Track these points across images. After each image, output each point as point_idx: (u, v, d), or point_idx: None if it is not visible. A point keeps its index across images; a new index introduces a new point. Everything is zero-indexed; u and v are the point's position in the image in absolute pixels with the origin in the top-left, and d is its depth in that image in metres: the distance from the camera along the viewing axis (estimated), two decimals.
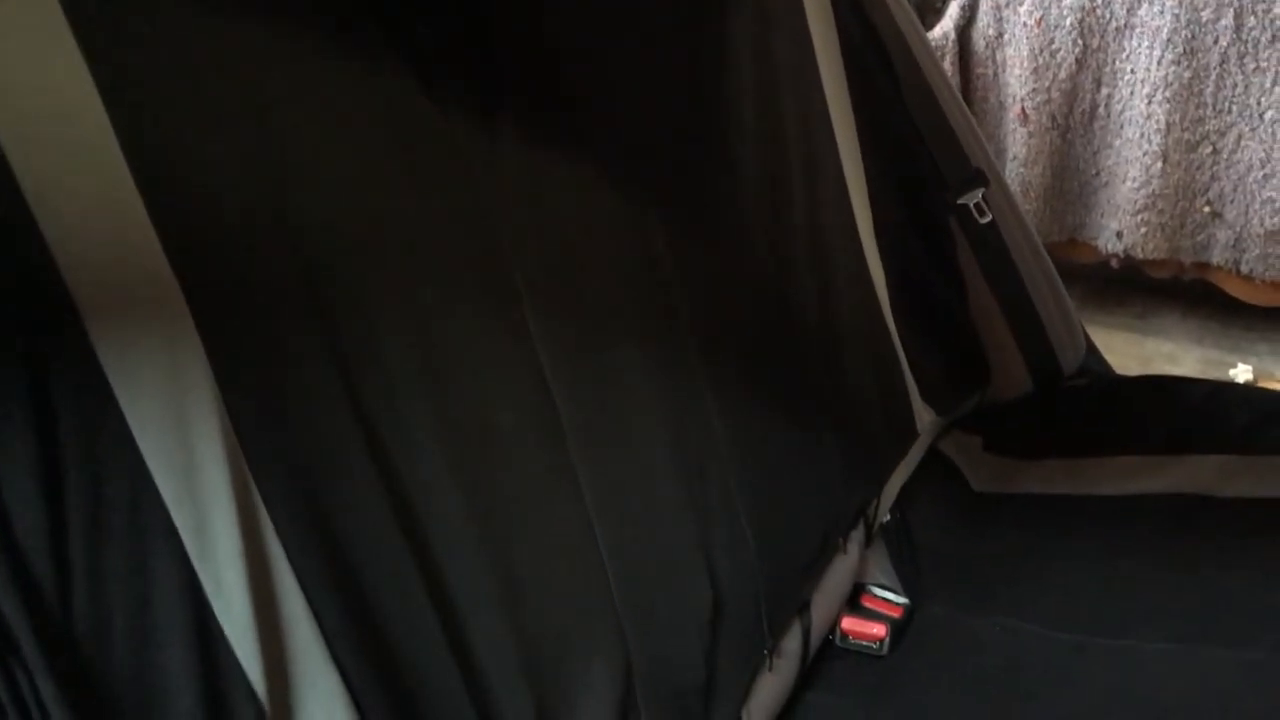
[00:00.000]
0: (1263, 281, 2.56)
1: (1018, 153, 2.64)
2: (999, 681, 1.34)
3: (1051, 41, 2.47)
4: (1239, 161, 2.43)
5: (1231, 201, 2.48)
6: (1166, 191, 2.49)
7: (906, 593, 1.55)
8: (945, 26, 2.55)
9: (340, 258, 0.77)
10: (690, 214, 1.18)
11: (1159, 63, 2.36)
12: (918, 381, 1.71)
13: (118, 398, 0.59)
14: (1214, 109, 2.39)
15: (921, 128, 1.62)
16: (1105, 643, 1.37)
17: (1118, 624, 1.40)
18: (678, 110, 1.17)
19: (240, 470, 0.65)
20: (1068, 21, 2.43)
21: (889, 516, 1.65)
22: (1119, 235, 2.61)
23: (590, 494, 0.97)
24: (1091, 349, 2.02)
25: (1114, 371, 2.06)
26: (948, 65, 2.52)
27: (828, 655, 1.44)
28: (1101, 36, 2.45)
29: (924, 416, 1.73)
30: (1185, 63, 2.34)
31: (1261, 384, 2.59)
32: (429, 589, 0.77)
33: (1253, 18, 2.25)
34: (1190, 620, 1.38)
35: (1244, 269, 2.55)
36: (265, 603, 0.65)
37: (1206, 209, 2.51)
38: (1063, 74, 2.49)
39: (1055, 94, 2.53)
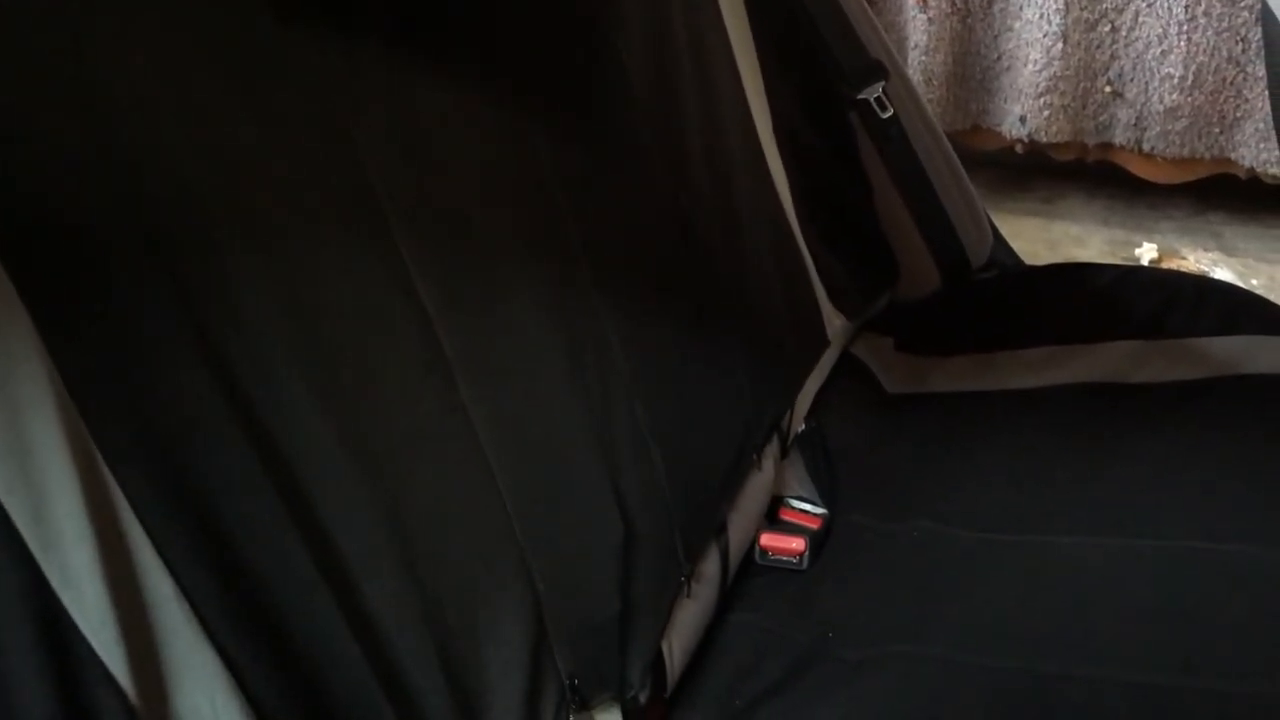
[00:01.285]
0: (1164, 159, 2.60)
1: (919, 41, 2.62)
2: (918, 585, 1.35)
3: None
4: (1138, 39, 2.44)
5: (1132, 80, 2.49)
6: (1068, 73, 2.49)
7: (824, 503, 1.55)
8: None
9: (181, 196, 0.71)
10: (577, 133, 1.13)
11: None
12: (826, 287, 1.69)
13: None
14: None
15: (817, 21, 1.57)
16: (1022, 539, 1.38)
17: (1033, 519, 1.41)
18: (557, 26, 1.11)
19: (83, 444, 0.60)
20: None
21: (804, 426, 1.64)
22: (1022, 120, 2.61)
23: (484, 431, 0.93)
24: (999, 240, 2.03)
25: (1022, 262, 2.07)
26: None
27: (748, 573, 1.43)
28: None
29: (834, 322, 1.72)
30: None
31: (1166, 262, 2.64)
32: (313, 552, 0.73)
33: None
34: (1104, 512, 1.40)
35: (1146, 147, 2.58)
36: (124, 586, 0.60)
37: (1108, 89, 2.52)
38: None
39: None
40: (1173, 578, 1.25)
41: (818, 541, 1.46)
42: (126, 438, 0.63)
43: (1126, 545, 1.32)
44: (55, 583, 0.57)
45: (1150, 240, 2.76)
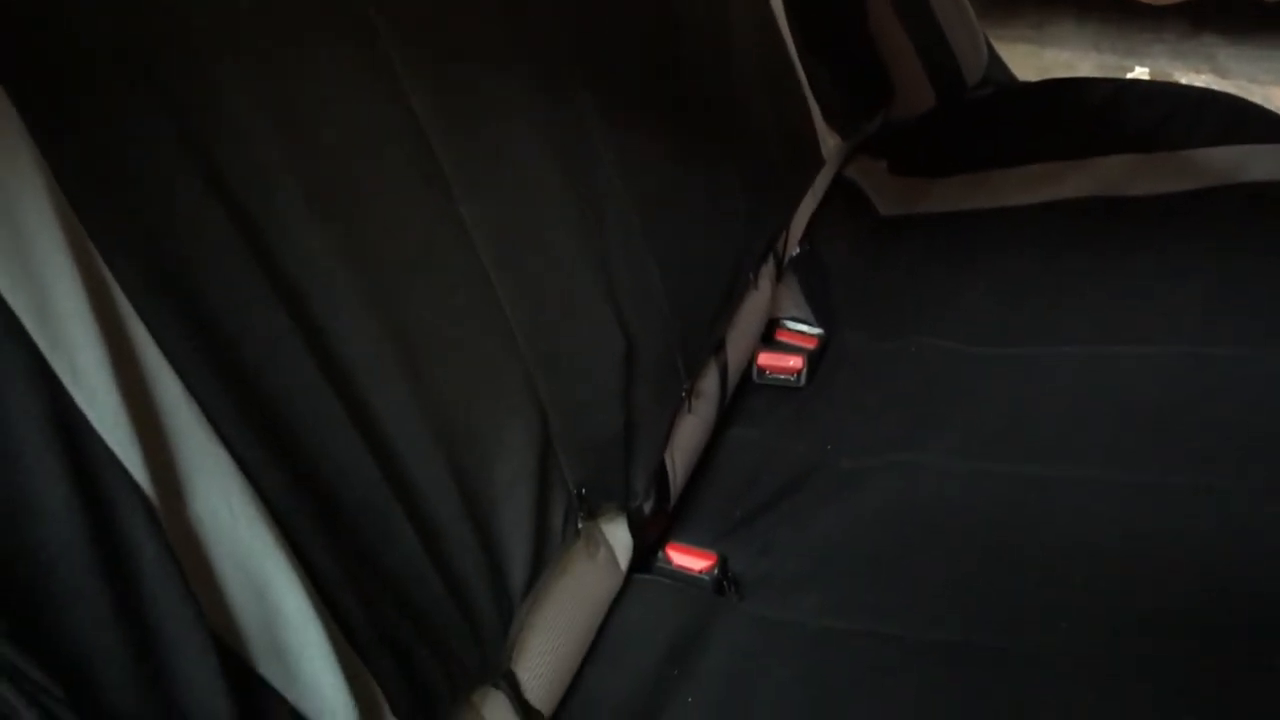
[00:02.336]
0: None
1: None
2: (915, 400, 1.35)
3: None
4: None
5: None
6: None
7: (820, 323, 1.54)
8: None
9: (170, 3, 0.68)
10: None
11: None
12: (821, 105, 1.65)
13: None
14: None
15: None
16: (1017, 351, 1.38)
17: (1030, 332, 1.41)
18: None
19: (81, 243, 0.58)
20: None
21: (799, 249, 1.63)
22: None
23: (483, 246, 0.91)
24: (994, 58, 1.97)
25: (1017, 80, 2.03)
26: None
27: (746, 392, 1.44)
28: None
29: (829, 141, 1.68)
30: None
31: None
32: (317, 359, 0.72)
33: None
34: (1098, 323, 1.40)
35: None
36: (133, 386, 0.59)
37: None
38: None
39: None
40: (1168, 382, 1.25)
41: (815, 360, 1.46)
42: (123, 239, 0.60)
43: (1123, 353, 1.32)
44: (66, 381, 0.55)
45: (1142, 65, 2.70)
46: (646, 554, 1.19)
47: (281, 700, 0.64)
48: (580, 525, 1.01)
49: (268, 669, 0.64)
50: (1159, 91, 1.83)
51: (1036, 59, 2.80)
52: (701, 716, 1.01)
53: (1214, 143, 1.64)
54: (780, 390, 1.44)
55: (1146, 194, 1.64)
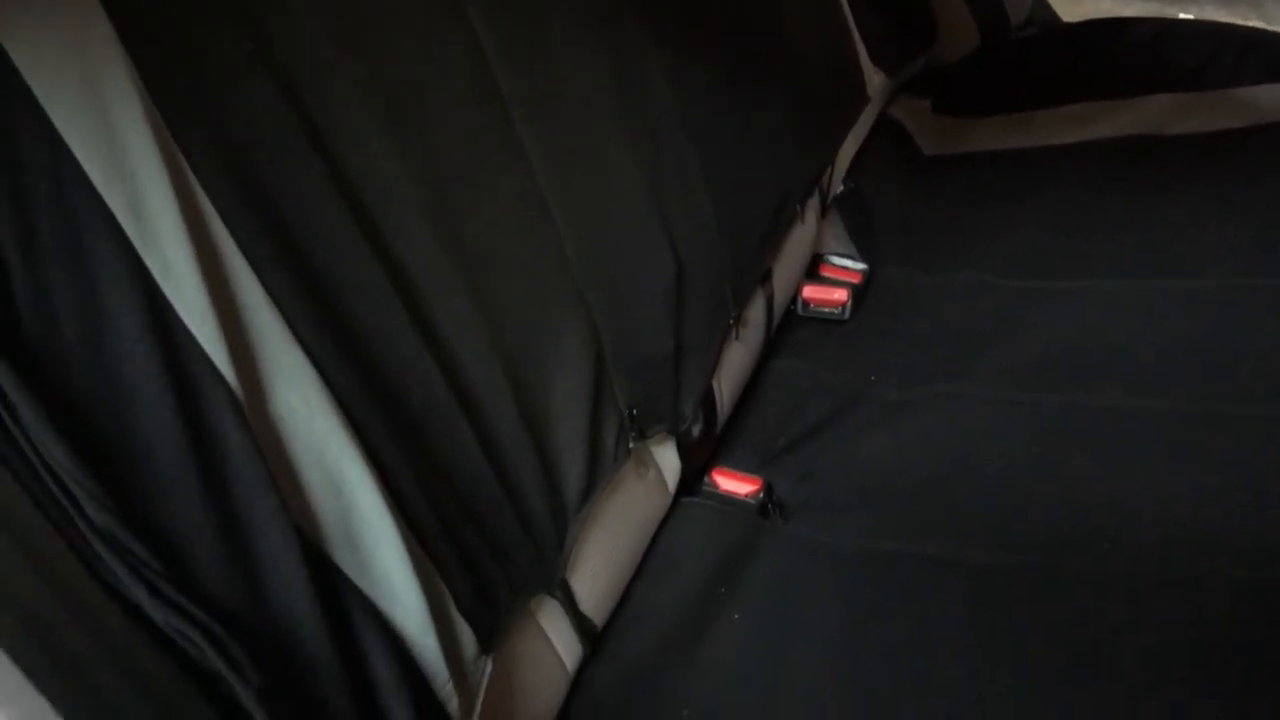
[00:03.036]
0: None
1: None
2: (959, 331, 1.36)
3: None
4: None
5: None
6: None
7: (864, 259, 1.55)
8: None
9: None
10: None
11: None
12: (866, 43, 1.64)
13: (18, 67, 0.53)
14: None
15: None
16: (1062, 285, 1.38)
17: (1073, 266, 1.40)
18: None
19: (168, 144, 0.60)
20: None
21: (842, 187, 1.63)
22: None
23: (540, 167, 0.92)
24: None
25: (1060, 20, 2.01)
26: None
27: (791, 324, 1.45)
28: None
29: (874, 79, 1.67)
30: None
31: None
32: (384, 266, 0.73)
33: None
34: (1141, 257, 1.39)
35: None
36: (218, 285, 0.61)
37: None
38: None
39: None
40: (1214, 313, 1.24)
41: (859, 294, 1.47)
42: (205, 141, 0.62)
43: (1167, 286, 1.32)
44: (158, 276, 0.57)
45: (1187, 11, 2.65)
46: (693, 478, 1.21)
47: (355, 589, 0.66)
48: (631, 446, 1.02)
49: (343, 559, 0.66)
50: (1204, 31, 1.80)
51: (1077, 6, 2.76)
52: (747, 632, 1.03)
53: (1259, 81, 1.62)
54: (824, 323, 1.45)
55: (1190, 132, 1.62)
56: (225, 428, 0.60)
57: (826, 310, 1.44)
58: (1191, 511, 1.01)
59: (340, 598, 0.66)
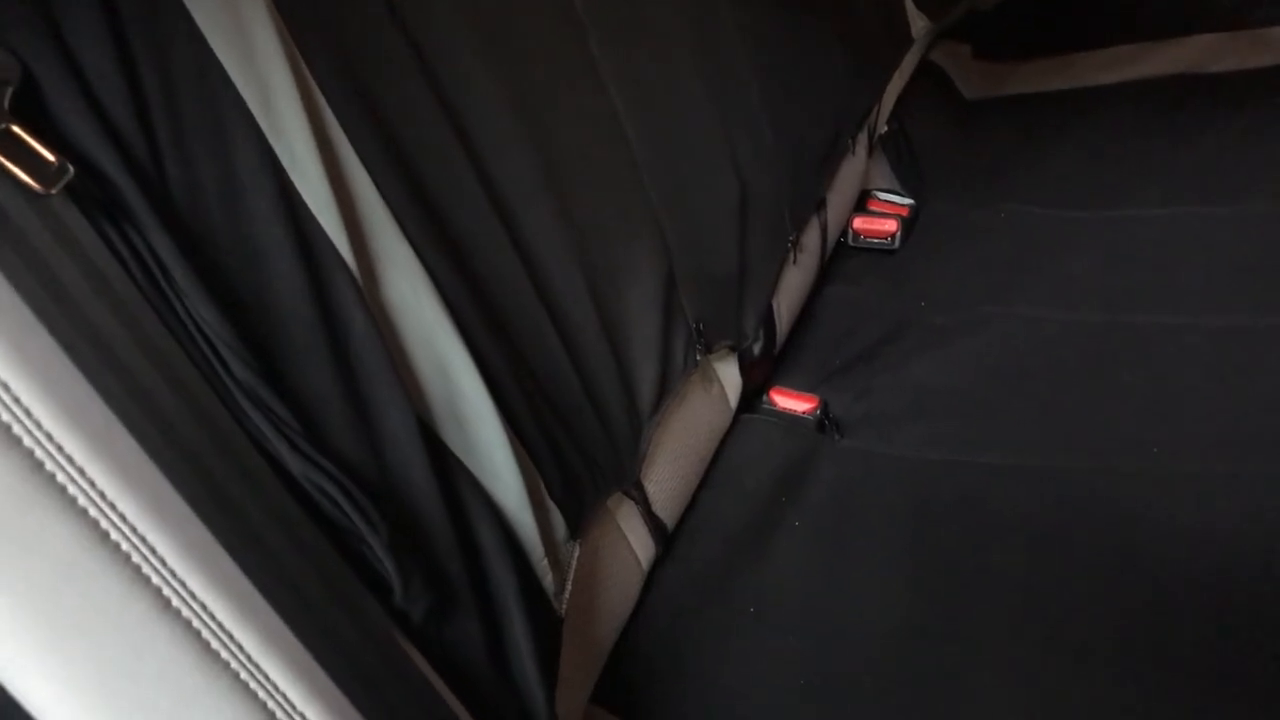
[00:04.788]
0: None
1: None
2: (1007, 258, 1.37)
3: None
4: None
5: None
6: None
7: (910, 194, 1.56)
8: None
9: None
10: None
11: None
12: None
13: None
14: None
15: None
16: (1107, 214, 1.38)
17: (1118, 196, 1.41)
18: None
19: (291, 50, 0.62)
20: None
21: (888, 127, 1.64)
22: None
23: (615, 88, 0.94)
24: None
25: None
26: None
27: (843, 255, 1.46)
28: None
29: (917, 22, 1.68)
30: None
31: None
32: (479, 176, 0.76)
33: None
34: (1185, 185, 1.39)
35: None
36: (337, 178, 0.64)
37: None
38: None
39: None
40: (1254, 237, 1.25)
41: (907, 226, 1.48)
42: (321, 47, 0.64)
43: (1208, 212, 1.32)
44: (285, 162, 0.59)
45: None
46: (752, 397, 1.23)
47: (462, 465, 0.69)
48: (698, 358, 1.05)
49: (451, 438, 0.69)
50: None
51: None
52: (808, 538, 1.06)
53: None
54: (875, 253, 1.46)
55: (1230, 70, 1.62)
56: (349, 307, 0.62)
57: (877, 241, 1.45)
58: (1236, 417, 1.02)
59: (450, 472, 0.68)
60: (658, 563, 1.02)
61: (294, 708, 0.49)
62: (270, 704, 0.48)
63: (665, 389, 0.99)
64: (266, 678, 0.48)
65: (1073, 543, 0.96)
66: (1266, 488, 0.95)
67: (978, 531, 1.00)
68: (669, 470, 1.02)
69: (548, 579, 0.76)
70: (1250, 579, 0.88)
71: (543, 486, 0.78)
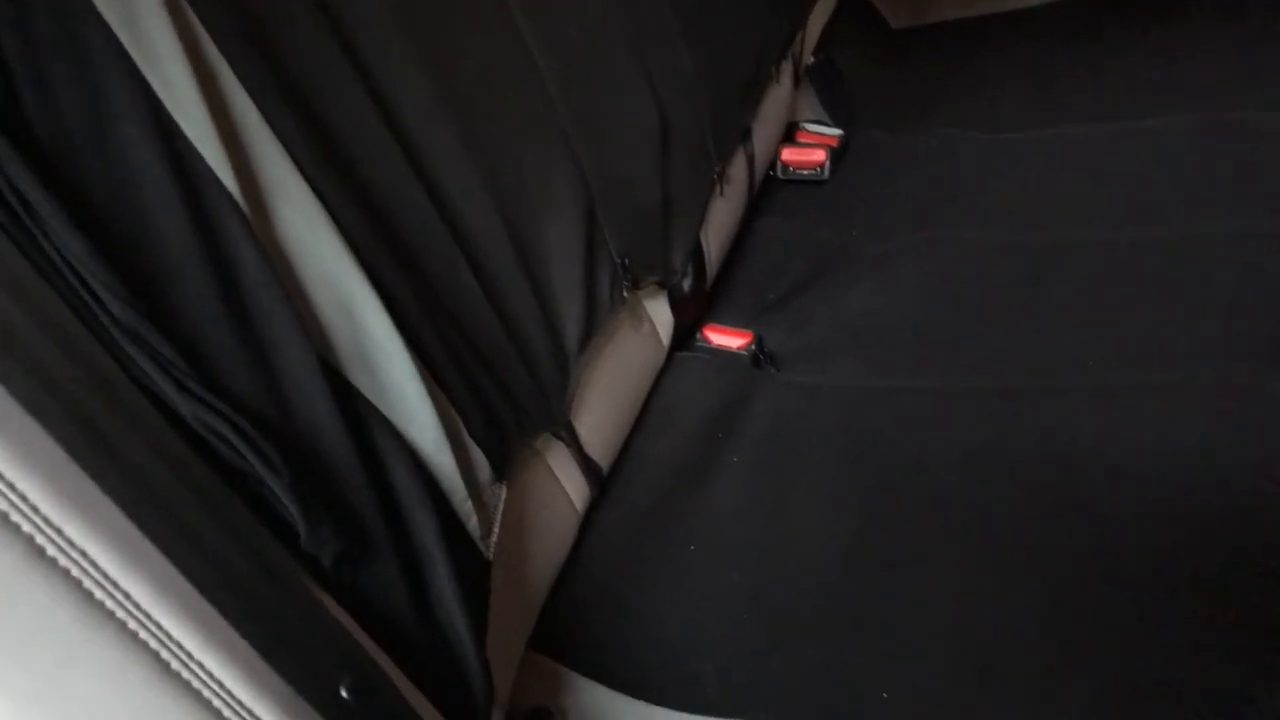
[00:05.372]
0: None
1: None
2: (938, 183, 1.35)
3: None
4: None
5: None
6: None
7: (839, 124, 1.54)
8: None
9: None
10: None
11: None
12: None
13: None
14: None
15: None
16: (1036, 134, 1.37)
17: (1046, 117, 1.40)
18: None
19: None
20: None
21: (814, 59, 1.62)
22: None
23: (521, 11, 0.91)
24: None
25: None
26: None
27: (772, 188, 1.44)
28: None
29: None
30: None
31: None
32: (375, 103, 0.73)
33: None
34: (1111, 102, 1.39)
35: None
36: (218, 107, 0.60)
37: None
38: None
39: None
40: (1180, 149, 1.25)
41: (837, 156, 1.46)
42: None
43: (1135, 127, 1.32)
44: (158, 90, 0.56)
45: None
46: (686, 335, 1.22)
47: (372, 407, 0.66)
48: (625, 295, 1.03)
49: (359, 379, 0.66)
50: None
51: None
52: (747, 473, 1.04)
53: None
54: (805, 184, 1.44)
55: None
56: (236, 241, 0.59)
57: (806, 172, 1.43)
58: (1171, 328, 1.03)
59: (359, 414, 0.66)
60: (594, 505, 1.00)
61: (190, 656, 0.46)
62: (164, 653, 0.46)
63: (591, 327, 0.97)
64: (158, 626, 0.46)
65: (1015, 462, 0.96)
66: (1203, 397, 0.95)
67: (918, 456, 0.99)
68: (601, 411, 1.01)
69: (472, 522, 0.74)
70: (1191, 489, 0.89)
71: (462, 427, 0.75)
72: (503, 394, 0.82)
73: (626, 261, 1.02)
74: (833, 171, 1.43)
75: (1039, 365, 1.03)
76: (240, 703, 0.48)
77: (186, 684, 0.46)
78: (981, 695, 0.78)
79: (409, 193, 0.75)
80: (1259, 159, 1.18)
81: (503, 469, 0.80)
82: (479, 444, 0.77)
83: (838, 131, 1.50)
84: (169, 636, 0.46)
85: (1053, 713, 0.76)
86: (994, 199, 1.28)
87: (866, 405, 1.07)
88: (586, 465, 0.97)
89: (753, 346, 1.18)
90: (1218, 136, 1.24)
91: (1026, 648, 0.80)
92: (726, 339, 1.20)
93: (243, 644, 0.49)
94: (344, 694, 0.53)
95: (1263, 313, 1.00)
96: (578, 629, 0.92)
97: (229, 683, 0.48)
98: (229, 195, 0.59)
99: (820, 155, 1.42)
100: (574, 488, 0.95)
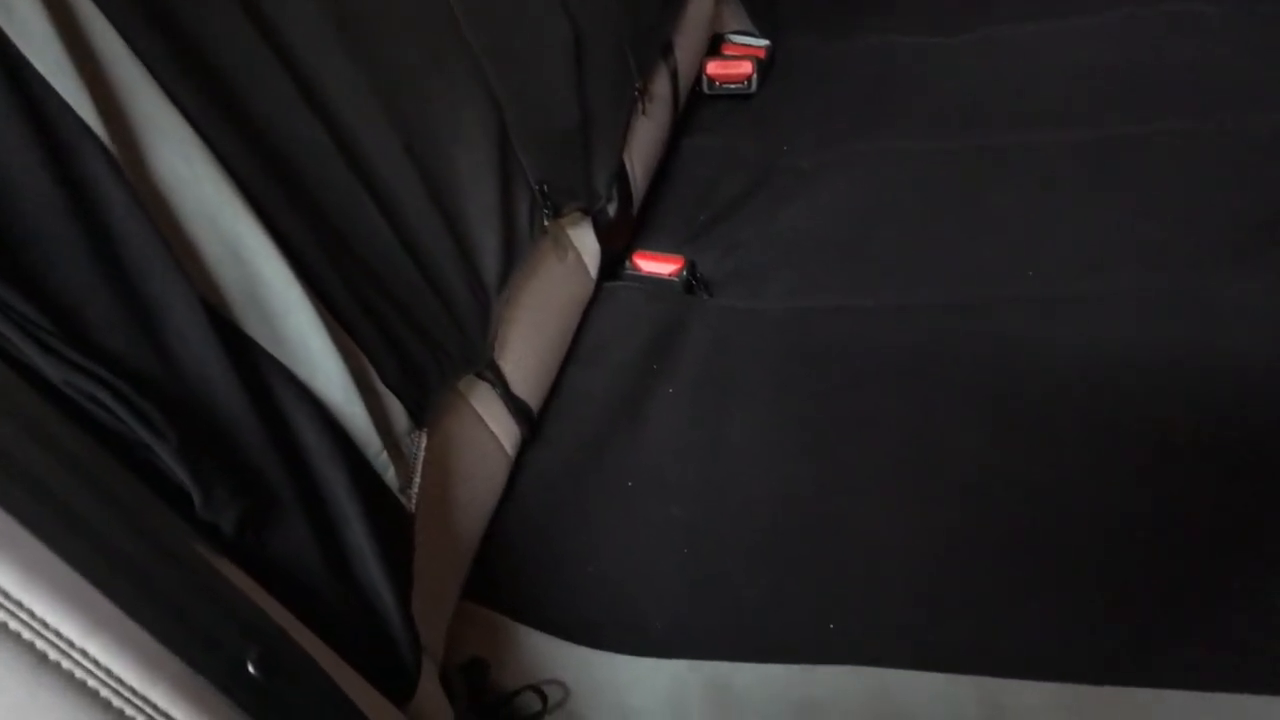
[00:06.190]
0: None
1: None
2: (869, 92, 1.32)
3: None
4: None
5: None
6: None
7: (765, 34, 1.50)
8: None
9: None
10: None
11: None
12: None
13: None
14: None
15: None
16: (966, 37, 1.34)
17: (975, 19, 1.37)
18: None
19: None
20: None
21: None
22: None
23: None
24: None
25: None
26: None
27: (699, 104, 1.40)
28: None
29: None
30: None
31: None
32: (254, 24, 0.67)
33: None
34: (1042, 1, 1.37)
35: None
36: (74, 36, 0.55)
37: None
38: None
39: None
40: (1113, 48, 1.23)
41: (764, 68, 1.42)
42: None
43: (1067, 26, 1.30)
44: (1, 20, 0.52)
45: None
46: (614, 264, 1.18)
47: (271, 358, 0.63)
48: (547, 224, 0.99)
49: (254, 329, 0.62)
50: None
51: None
52: (684, 404, 1.02)
53: None
54: (732, 99, 1.41)
55: None
56: (104, 184, 0.55)
57: (733, 86, 1.40)
58: (1109, 232, 1.02)
59: (257, 366, 0.62)
60: (525, 446, 0.98)
61: (71, 644, 0.43)
62: (40, 644, 0.42)
63: (512, 259, 0.93)
64: (32, 614, 0.42)
65: (954, 377, 0.94)
66: (1142, 304, 0.94)
67: (858, 377, 0.98)
68: (527, 347, 0.97)
69: (390, 473, 0.70)
70: (1133, 396, 0.88)
71: (373, 374, 0.72)
72: (418, 336, 0.79)
73: (545, 188, 0.99)
74: (761, 84, 1.39)
75: (975, 278, 1.02)
76: (133, 689, 0.45)
77: (69, 675, 0.43)
78: (929, 621, 0.77)
79: (300, 124, 0.71)
80: (1189, 54, 1.16)
81: (422, 416, 0.77)
82: (394, 391, 0.73)
83: (764, 42, 1.47)
84: (45, 625, 0.43)
85: (1002, 635, 0.75)
86: (924, 105, 1.26)
87: (802, 328, 1.05)
88: (515, 405, 0.94)
89: (684, 272, 1.15)
90: (1148, 31, 1.22)
91: (973, 571, 0.79)
92: (657, 266, 1.17)
93: (132, 626, 0.46)
94: (251, 669, 0.50)
95: (1203, 214, 0.99)
96: (514, 575, 0.90)
97: (118, 669, 0.44)
98: (90, 132, 0.55)
99: (747, 68, 1.38)
100: (503, 430, 0.92)
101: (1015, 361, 0.94)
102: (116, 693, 0.44)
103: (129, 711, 0.44)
